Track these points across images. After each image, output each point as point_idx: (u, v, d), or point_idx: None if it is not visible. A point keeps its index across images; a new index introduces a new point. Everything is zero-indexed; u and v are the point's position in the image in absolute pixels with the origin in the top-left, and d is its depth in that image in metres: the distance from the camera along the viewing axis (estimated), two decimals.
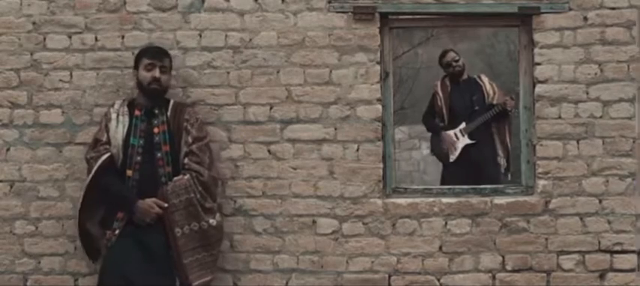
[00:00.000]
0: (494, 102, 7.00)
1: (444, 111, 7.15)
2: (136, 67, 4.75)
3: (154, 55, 4.71)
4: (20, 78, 4.99)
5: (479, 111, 7.03)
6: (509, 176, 7.13)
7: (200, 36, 4.96)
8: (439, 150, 7.24)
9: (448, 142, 7.07)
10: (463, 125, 7.04)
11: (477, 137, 7.01)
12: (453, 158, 7.07)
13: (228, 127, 4.96)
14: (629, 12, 4.88)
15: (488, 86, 7.13)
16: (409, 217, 4.94)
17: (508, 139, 7.08)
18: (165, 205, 4.55)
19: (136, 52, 4.81)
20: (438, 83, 7.34)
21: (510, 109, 6.93)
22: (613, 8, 4.88)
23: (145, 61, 4.68)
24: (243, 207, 4.95)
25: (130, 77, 4.93)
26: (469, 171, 6.85)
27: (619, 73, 4.89)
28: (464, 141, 7.03)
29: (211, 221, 4.64)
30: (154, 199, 4.55)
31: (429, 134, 7.65)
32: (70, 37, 4.98)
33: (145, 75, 4.66)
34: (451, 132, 7.07)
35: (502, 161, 7.09)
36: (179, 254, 4.56)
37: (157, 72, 4.65)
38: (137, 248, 4.53)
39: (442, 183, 7.21)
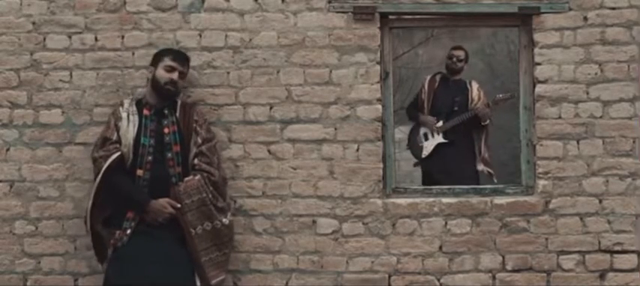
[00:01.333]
0: (474, 108, 7.00)
1: (426, 105, 7.16)
2: (153, 64, 4.74)
3: (177, 58, 4.72)
4: (20, 78, 4.99)
5: (457, 112, 7.03)
6: (494, 180, 7.11)
7: (200, 36, 4.96)
8: (414, 144, 7.25)
9: (429, 123, 7.05)
10: (440, 123, 7.04)
11: (454, 139, 7.00)
12: (425, 153, 7.08)
13: (228, 127, 4.96)
14: (629, 12, 4.88)
15: (475, 92, 7.11)
16: (409, 217, 4.94)
17: (483, 146, 7.05)
18: (179, 205, 4.55)
19: (157, 50, 4.81)
20: (428, 77, 7.36)
21: (483, 117, 6.90)
22: (613, 8, 4.88)
23: (167, 62, 4.68)
24: (243, 207, 4.95)
25: (130, 77, 4.94)
26: (442, 171, 6.86)
27: (619, 73, 4.89)
28: (438, 139, 7.05)
29: (224, 220, 4.66)
30: (167, 199, 4.56)
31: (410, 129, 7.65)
32: (70, 37, 4.98)
33: (163, 74, 4.66)
34: (432, 118, 7.08)
35: (481, 167, 7.07)
36: (197, 254, 4.57)
37: (175, 76, 4.66)
38: (152, 249, 4.51)
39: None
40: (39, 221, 4.98)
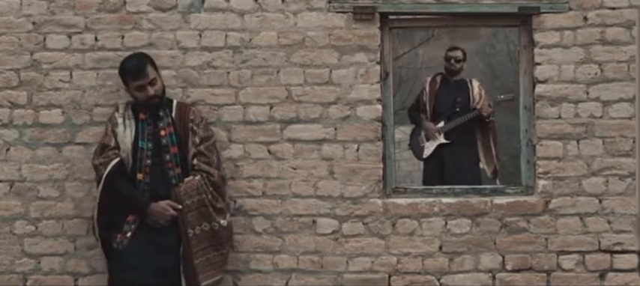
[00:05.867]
0: (478, 107, 7.01)
1: (428, 107, 7.19)
2: (125, 83, 4.67)
3: (138, 75, 4.58)
4: (20, 78, 4.99)
5: (459, 112, 7.04)
6: (497, 182, 7.13)
7: (200, 36, 4.96)
8: (415, 144, 7.28)
9: (430, 130, 7.08)
10: (441, 124, 7.06)
11: (456, 139, 7.01)
12: (426, 153, 7.11)
13: (228, 127, 4.96)
14: (629, 12, 4.88)
15: (476, 91, 7.13)
16: (409, 217, 4.94)
17: (492, 145, 7.07)
18: (180, 207, 4.55)
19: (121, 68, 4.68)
20: (428, 79, 7.40)
21: (486, 115, 6.94)
22: (613, 8, 4.88)
23: (134, 84, 4.59)
24: (243, 207, 4.95)
25: None
26: (444, 171, 6.90)
27: (619, 73, 4.89)
28: (439, 139, 7.07)
29: (222, 221, 4.65)
30: (167, 201, 4.56)
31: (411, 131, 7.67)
32: (70, 37, 4.98)
33: (139, 95, 4.61)
34: (432, 125, 7.10)
35: (484, 167, 7.11)
36: (190, 254, 4.56)
37: (149, 91, 4.59)
38: (150, 252, 4.53)
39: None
40: (39, 221, 4.98)
